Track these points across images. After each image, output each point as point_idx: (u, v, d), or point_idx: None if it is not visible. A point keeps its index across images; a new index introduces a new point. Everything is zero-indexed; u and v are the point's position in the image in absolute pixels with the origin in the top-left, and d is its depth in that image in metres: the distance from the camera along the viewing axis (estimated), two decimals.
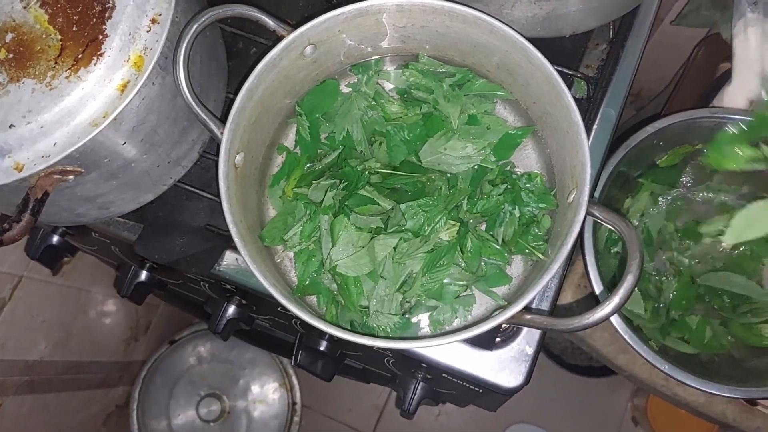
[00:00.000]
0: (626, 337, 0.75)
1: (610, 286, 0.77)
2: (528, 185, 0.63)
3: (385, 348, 0.54)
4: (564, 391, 1.80)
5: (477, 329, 0.53)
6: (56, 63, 0.53)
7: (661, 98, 1.24)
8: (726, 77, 0.92)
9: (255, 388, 1.64)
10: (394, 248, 0.61)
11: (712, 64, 1.00)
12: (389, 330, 0.60)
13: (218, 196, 0.58)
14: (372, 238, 0.61)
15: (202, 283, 0.78)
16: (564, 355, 1.82)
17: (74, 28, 0.54)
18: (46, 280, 1.18)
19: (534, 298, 0.54)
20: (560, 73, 0.57)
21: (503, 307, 0.55)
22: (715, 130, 0.80)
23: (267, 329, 0.99)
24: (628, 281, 0.48)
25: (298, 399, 1.64)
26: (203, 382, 1.62)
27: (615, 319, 0.76)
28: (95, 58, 0.53)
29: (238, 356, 1.63)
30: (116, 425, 1.57)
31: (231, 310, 0.78)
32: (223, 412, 1.61)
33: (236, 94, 0.58)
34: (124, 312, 1.51)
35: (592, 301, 0.98)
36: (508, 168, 0.66)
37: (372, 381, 0.99)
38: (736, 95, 0.86)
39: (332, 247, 0.60)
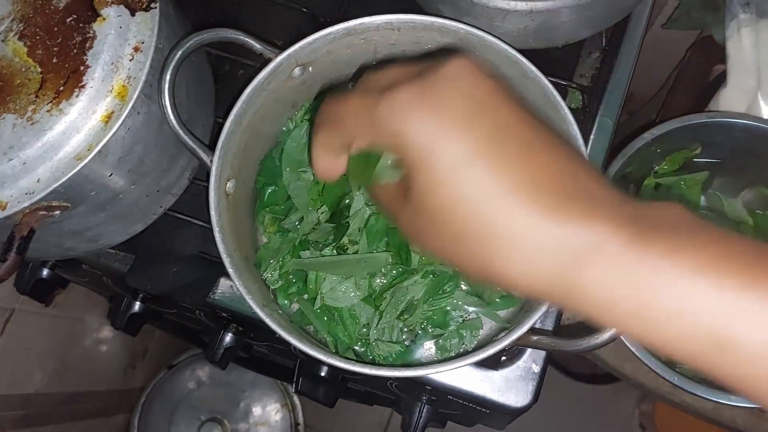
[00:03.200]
0: (633, 349, 0.73)
1: None
2: None
3: (389, 377, 0.52)
4: (569, 399, 1.78)
5: (481, 354, 0.51)
6: (37, 96, 0.52)
7: (654, 102, 1.23)
8: (721, 80, 0.91)
9: (256, 411, 1.61)
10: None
11: (705, 67, 0.99)
12: (392, 359, 0.59)
13: (210, 223, 0.56)
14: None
15: (197, 311, 0.76)
16: (567, 364, 1.80)
17: (54, 60, 0.52)
18: (39, 312, 1.16)
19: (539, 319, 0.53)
20: (554, 83, 0.56)
21: (507, 329, 0.53)
22: (714, 134, 0.79)
23: (266, 355, 0.97)
24: None
25: (300, 419, 1.62)
26: (203, 406, 1.60)
27: None
28: (77, 89, 0.51)
29: (238, 378, 1.60)
30: None
31: (228, 338, 0.76)
32: None
33: (225, 118, 0.57)
34: (120, 339, 1.49)
35: None
36: None
37: (375, 403, 0.97)
38: (732, 98, 0.85)
39: (323, 281, 0.59)
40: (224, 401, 1.60)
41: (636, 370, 1.02)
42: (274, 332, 0.54)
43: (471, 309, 0.61)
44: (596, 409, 1.80)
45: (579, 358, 1.81)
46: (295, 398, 1.62)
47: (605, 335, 0.47)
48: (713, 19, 0.97)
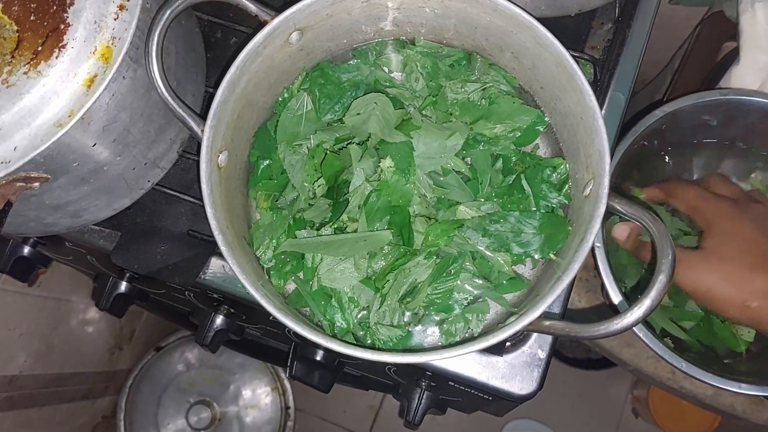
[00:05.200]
0: (641, 335, 0.71)
1: (620, 282, 0.72)
2: (552, 177, 0.58)
3: (391, 362, 0.49)
4: (563, 385, 1.77)
5: (490, 339, 0.48)
6: (13, 57, 0.48)
7: (656, 82, 1.20)
8: (731, 57, 0.88)
9: (246, 393, 1.59)
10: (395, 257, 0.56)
11: (715, 45, 0.96)
12: (392, 344, 0.56)
13: (201, 199, 0.53)
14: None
15: (186, 292, 0.73)
16: (562, 349, 1.78)
17: (32, 17, 0.48)
18: (22, 292, 1.13)
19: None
20: None
21: (519, 314, 0.50)
22: (726, 113, 0.76)
23: (258, 338, 0.94)
24: (660, 282, 0.44)
25: (291, 403, 1.59)
26: (192, 389, 1.57)
27: None
28: (57, 50, 0.47)
29: (227, 361, 1.57)
30: None
31: (219, 320, 0.73)
32: (214, 419, 1.56)
33: (216, 87, 0.53)
34: (106, 320, 1.46)
35: (595, 296, 0.94)
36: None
37: (371, 388, 0.94)
38: (745, 75, 0.82)
39: (320, 262, 0.56)
40: (214, 384, 1.58)
41: (635, 355, 1.00)
42: (268, 314, 0.50)
43: (476, 292, 0.57)
44: (589, 395, 1.78)
45: (573, 343, 1.79)
46: (286, 381, 1.59)
47: (625, 321, 0.44)
48: None
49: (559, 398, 1.76)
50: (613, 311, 0.69)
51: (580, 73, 0.51)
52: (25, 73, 0.47)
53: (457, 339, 0.57)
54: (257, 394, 1.59)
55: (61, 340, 1.29)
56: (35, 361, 1.19)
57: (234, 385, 1.58)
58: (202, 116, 0.53)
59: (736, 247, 0.66)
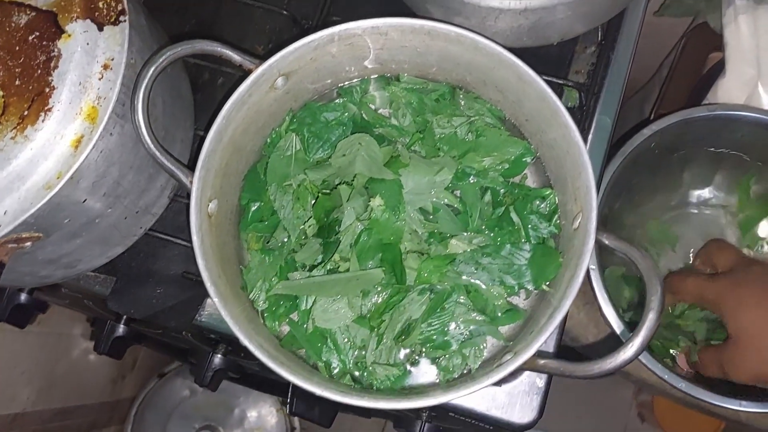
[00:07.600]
0: (641, 358, 0.71)
1: (619, 306, 0.73)
2: (541, 207, 0.59)
3: (387, 409, 0.50)
4: (567, 391, 1.75)
5: (486, 381, 0.48)
6: None
7: (645, 91, 1.20)
8: (717, 68, 0.88)
9: (252, 416, 1.58)
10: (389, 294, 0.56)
11: (701, 55, 0.96)
12: (390, 382, 0.56)
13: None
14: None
15: (184, 332, 0.73)
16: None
17: (17, 82, 0.48)
18: (21, 329, 1.12)
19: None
20: (549, 83, 0.52)
21: (511, 351, 0.50)
22: (715, 128, 0.76)
23: (259, 372, 0.94)
24: (650, 320, 0.44)
25: (296, 423, 1.59)
26: (197, 414, 1.56)
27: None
28: (43, 113, 0.48)
29: (231, 384, 1.56)
30: None
31: (217, 360, 0.73)
32: None
33: (206, 130, 0.53)
34: None
35: (593, 308, 0.94)
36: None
37: (374, 416, 0.94)
38: (731, 88, 0.82)
39: (313, 305, 0.56)
40: (218, 408, 1.57)
41: (637, 366, 1.00)
42: None
43: (472, 327, 0.58)
44: (594, 401, 1.78)
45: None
46: None
47: (618, 360, 0.45)
48: (708, 6, 0.94)
49: (564, 406, 1.75)
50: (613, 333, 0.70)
51: (563, 109, 0.52)
52: (12, 138, 0.47)
53: (455, 375, 0.57)
54: (262, 416, 1.59)
55: (64, 374, 1.29)
56: (38, 397, 1.19)
57: (239, 408, 1.58)
58: (191, 165, 0.53)
59: (754, 320, 0.65)
